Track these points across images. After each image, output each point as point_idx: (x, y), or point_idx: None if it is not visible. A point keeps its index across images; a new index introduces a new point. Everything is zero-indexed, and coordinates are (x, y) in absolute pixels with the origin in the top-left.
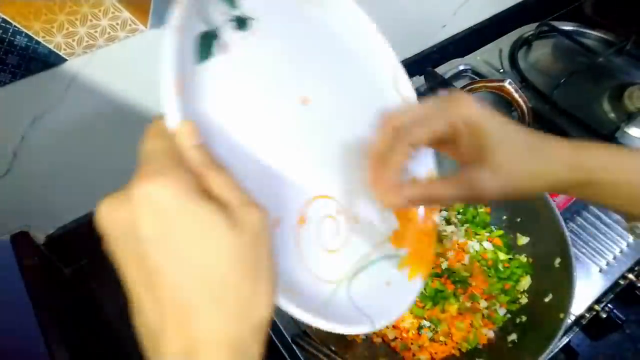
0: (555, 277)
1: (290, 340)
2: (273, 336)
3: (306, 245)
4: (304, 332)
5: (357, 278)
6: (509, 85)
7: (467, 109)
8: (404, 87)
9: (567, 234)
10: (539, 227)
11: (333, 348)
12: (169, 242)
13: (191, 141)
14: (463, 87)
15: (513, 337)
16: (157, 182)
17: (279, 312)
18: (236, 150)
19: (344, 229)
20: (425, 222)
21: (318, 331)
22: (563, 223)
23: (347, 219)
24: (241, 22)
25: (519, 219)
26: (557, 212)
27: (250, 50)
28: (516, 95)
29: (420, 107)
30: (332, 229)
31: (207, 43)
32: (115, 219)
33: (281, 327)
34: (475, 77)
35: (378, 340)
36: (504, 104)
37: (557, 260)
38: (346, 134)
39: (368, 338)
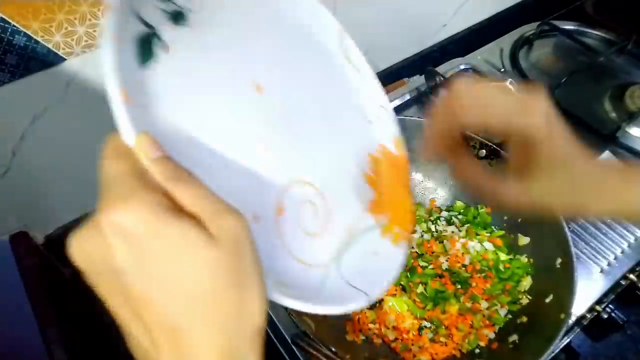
0: (556, 277)
1: (290, 342)
2: (273, 337)
3: (289, 234)
4: (303, 333)
5: (345, 255)
6: (510, 85)
7: (538, 120)
8: (354, 55)
9: (568, 234)
10: (539, 227)
11: (333, 349)
12: (147, 268)
13: (151, 155)
14: None
15: (514, 337)
16: (122, 208)
17: (278, 313)
18: (199, 153)
19: (322, 210)
20: (399, 182)
21: (318, 332)
22: (564, 223)
23: (322, 200)
24: (177, 16)
25: (519, 219)
26: (562, 218)
27: (192, 45)
28: None
29: (501, 92)
30: (310, 213)
31: (147, 45)
32: (88, 253)
33: (281, 328)
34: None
35: (378, 341)
36: None
37: (558, 261)
38: (305, 113)
39: (368, 339)
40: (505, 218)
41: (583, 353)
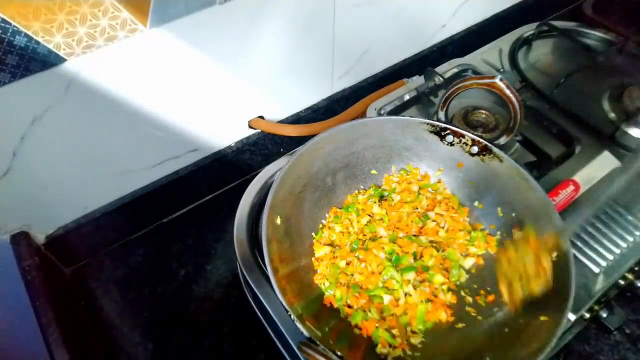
0: (554, 277)
1: (296, 348)
2: (277, 342)
3: None
4: (309, 339)
5: None
6: (499, 82)
7: None
8: None
9: (567, 234)
10: (538, 226)
11: (339, 354)
12: None
13: None
14: (454, 84)
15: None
16: None
17: (283, 318)
18: None
19: None
20: None
21: (324, 338)
22: (562, 222)
23: None
24: None
25: (514, 214)
26: (556, 212)
27: None
28: (508, 92)
29: None
30: None
31: None
32: None
33: (285, 334)
34: None
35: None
36: (500, 102)
37: (554, 254)
38: None
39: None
40: (500, 215)
41: (582, 352)
